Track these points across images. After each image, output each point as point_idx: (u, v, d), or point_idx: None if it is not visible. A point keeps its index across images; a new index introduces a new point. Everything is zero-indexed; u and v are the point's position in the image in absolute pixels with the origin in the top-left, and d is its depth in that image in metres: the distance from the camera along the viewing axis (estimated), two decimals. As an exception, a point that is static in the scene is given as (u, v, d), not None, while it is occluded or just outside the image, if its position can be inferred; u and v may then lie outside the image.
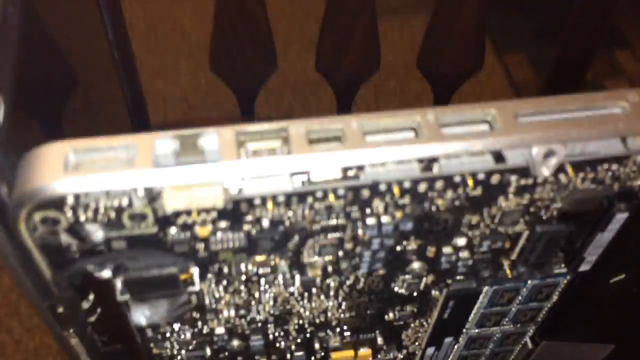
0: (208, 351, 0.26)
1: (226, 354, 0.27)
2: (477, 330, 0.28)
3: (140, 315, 0.23)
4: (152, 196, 0.18)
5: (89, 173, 0.18)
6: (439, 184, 0.20)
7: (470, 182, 0.20)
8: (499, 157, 0.19)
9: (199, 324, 0.25)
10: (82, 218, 0.19)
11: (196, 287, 0.22)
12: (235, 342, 0.26)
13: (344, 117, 0.19)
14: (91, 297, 0.22)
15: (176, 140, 0.18)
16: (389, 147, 0.18)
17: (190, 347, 0.26)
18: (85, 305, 0.23)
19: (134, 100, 0.65)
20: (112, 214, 0.19)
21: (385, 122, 0.19)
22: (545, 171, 0.20)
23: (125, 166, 0.18)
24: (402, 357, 0.30)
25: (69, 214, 0.18)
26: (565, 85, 0.63)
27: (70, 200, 0.18)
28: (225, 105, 0.99)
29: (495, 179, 0.20)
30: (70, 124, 0.66)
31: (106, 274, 0.21)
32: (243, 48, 0.58)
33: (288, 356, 0.28)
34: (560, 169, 0.20)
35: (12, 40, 0.22)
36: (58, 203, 0.18)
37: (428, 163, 0.19)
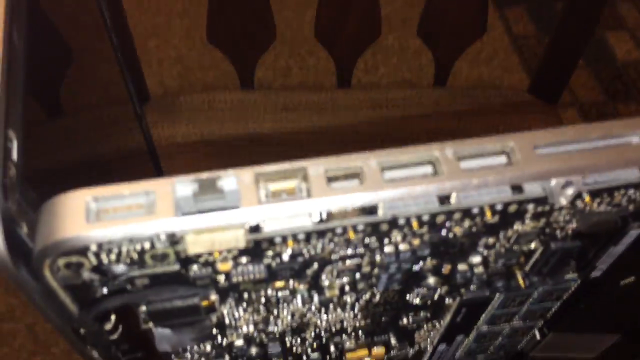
0: (227, 358, 0.27)
1: (245, 359, 0.27)
2: (487, 327, 0.29)
3: (163, 340, 0.23)
4: (174, 240, 0.18)
5: (111, 223, 0.18)
6: (457, 215, 0.20)
7: (488, 212, 0.20)
8: (517, 188, 0.19)
9: (219, 337, 0.25)
10: (105, 261, 0.19)
11: (217, 312, 0.23)
12: (254, 350, 0.27)
13: (363, 155, 0.19)
14: (113, 318, 0.23)
15: (195, 184, 0.18)
16: (407, 185, 0.18)
17: (210, 356, 0.26)
18: (108, 326, 0.23)
19: (129, 63, 0.63)
20: (135, 256, 0.19)
21: (403, 158, 0.19)
22: (563, 201, 0.20)
23: (146, 213, 0.18)
24: (413, 352, 0.30)
25: (92, 258, 0.19)
26: (573, 42, 0.62)
27: (93, 248, 0.18)
28: (221, 65, 0.97)
29: (512, 208, 0.20)
30: (65, 89, 0.65)
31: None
32: (242, 20, 0.57)
33: (304, 358, 0.29)
34: (577, 196, 0.20)
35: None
36: (81, 251, 0.18)
37: (446, 197, 0.19)
